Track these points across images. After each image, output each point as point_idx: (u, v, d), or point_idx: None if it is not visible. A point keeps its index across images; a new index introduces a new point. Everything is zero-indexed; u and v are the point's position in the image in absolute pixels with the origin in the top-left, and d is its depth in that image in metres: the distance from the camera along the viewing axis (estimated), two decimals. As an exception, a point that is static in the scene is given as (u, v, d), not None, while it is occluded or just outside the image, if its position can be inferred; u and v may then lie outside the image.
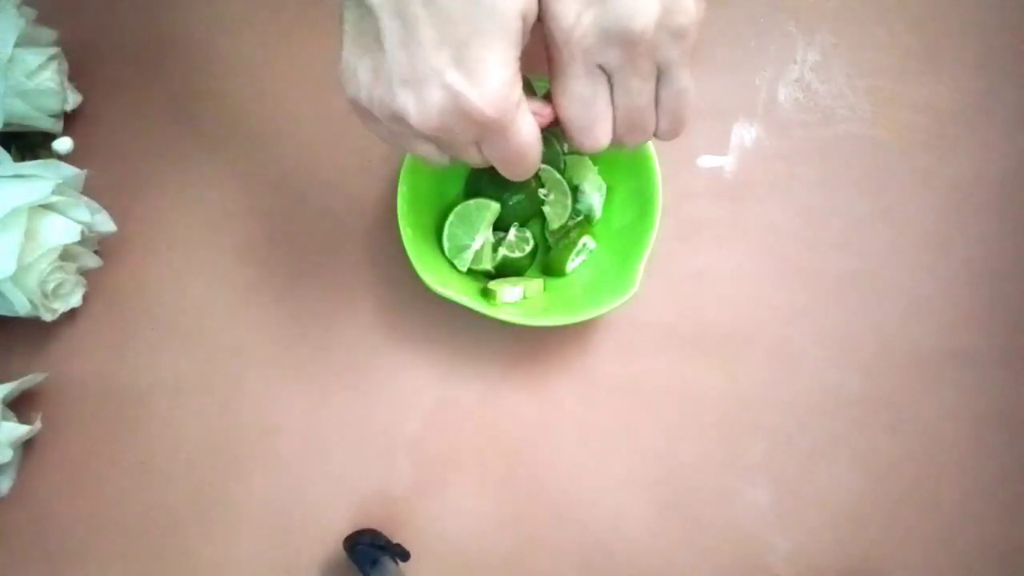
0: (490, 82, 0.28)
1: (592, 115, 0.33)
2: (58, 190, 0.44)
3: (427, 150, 0.33)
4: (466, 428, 0.47)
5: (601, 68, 0.31)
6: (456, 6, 0.28)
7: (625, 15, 0.29)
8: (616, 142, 0.34)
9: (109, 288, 0.49)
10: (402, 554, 0.43)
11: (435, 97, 0.29)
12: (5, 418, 0.44)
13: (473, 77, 0.28)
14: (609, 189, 0.48)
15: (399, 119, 0.30)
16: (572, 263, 0.47)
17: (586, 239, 0.47)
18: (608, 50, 0.30)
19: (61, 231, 0.44)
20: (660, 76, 0.32)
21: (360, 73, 0.31)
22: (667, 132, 0.35)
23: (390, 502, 0.47)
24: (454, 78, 0.28)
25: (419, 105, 0.29)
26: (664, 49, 0.31)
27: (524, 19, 0.29)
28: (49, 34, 0.48)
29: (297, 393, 0.48)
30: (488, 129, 0.30)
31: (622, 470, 0.47)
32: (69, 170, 0.45)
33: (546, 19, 0.30)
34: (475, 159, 0.33)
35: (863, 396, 0.48)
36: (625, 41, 0.30)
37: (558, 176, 0.47)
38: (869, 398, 0.48)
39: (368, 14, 0.29)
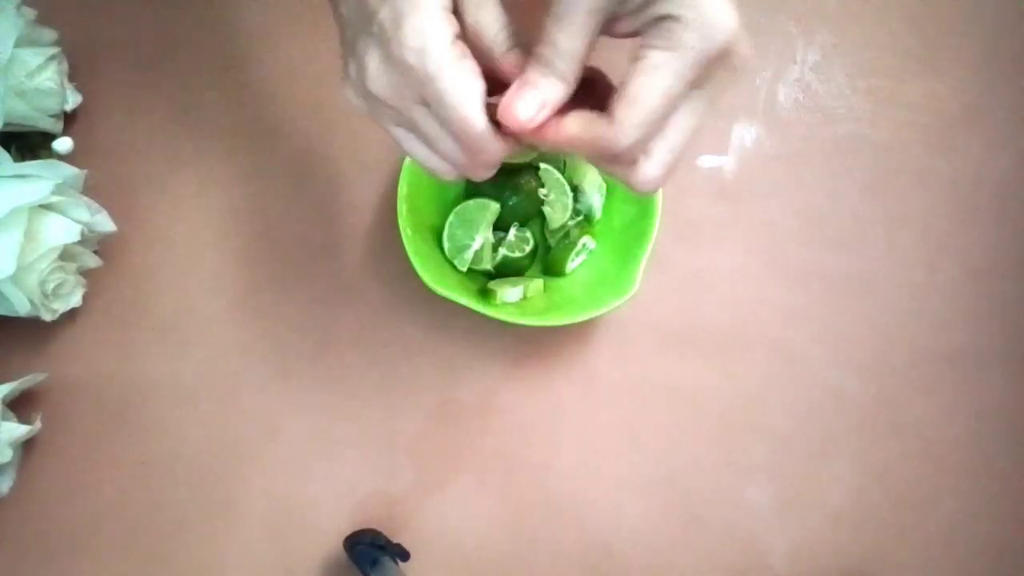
0: (406, 30, 0.28)
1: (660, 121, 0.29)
2: (58, 190, 0.44)
3: (398, 134, 0.33)
4: (466, 428, 0.47)
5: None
6: None
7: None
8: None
9: (109, 288, 0.49)
10: (402, 554, 0.42)
11: (373, 55, 0.29)
12: (5, 418, 0.44)
13: (395, 28, 0.28)
14: (609, 189, 0.48)
15: (366, 90, 0.31)
16: (572, 263, 0.47)
17: (586, 239, 0.47)
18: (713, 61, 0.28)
19: (61, 231, 0.44)
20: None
21: (350, 66, 0.31)
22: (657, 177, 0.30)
23: (390, 502, 0.46)
24: (382, 32, 0.29)
25: (362, 71, 0.30)
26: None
27: None
28: (49, 34, 0.48)
29: (297, 393, 0.48)
30: (419, 84, 0.29)
31: (622, 470, 0.47)
32: (69, 170, 0.45)
33: (677, 2, 0.27)
34: (434, 141, 0.31)
35: (863, 396, 0.48)
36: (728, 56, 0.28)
37: (558, 176, 0.47)
38: (869, 398, 0.48)
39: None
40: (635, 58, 0.28)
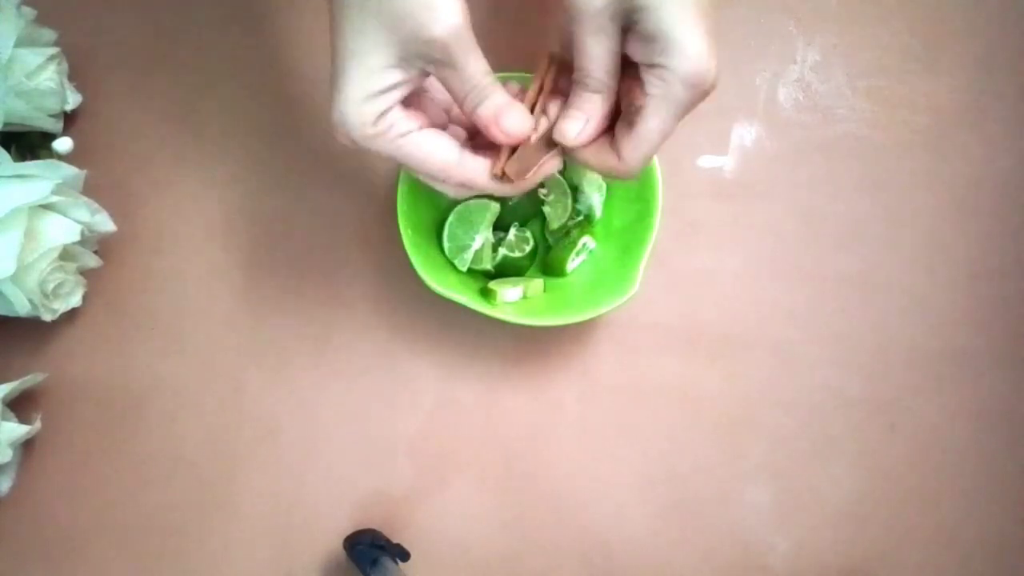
0: (337, 105, 0.32)
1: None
2: (58, 190, 0.44)
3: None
4: (466, 428, 0.47)
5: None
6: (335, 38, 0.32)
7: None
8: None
9: (109, 288, 0.49)
10: (402, 554, 0.43)
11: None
12: (5, 418, 0.44)
13: (333, 99, 0.32)
14: (609, 189, 0.47)
15: None
16: (572, 263, 0.47)
17: (586, 239, 0.47)
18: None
19: (61, 231, 0.44)
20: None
21: None
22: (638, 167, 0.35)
23: (390, 502, 0.47)
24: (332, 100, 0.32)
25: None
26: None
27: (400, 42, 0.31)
28: (49, 34, 0.48)
29: (297, 393, 0.48)
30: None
31: (622, 470, 0.47)
32: (69, 170, 0.45)
33: (669, 52, 0.31)
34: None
35: (863, 396, 0.48)
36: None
37: (558, 176, 0.47)
38: (869, 398, 0.48)
39: None
40: (638, 103, 0.32)
